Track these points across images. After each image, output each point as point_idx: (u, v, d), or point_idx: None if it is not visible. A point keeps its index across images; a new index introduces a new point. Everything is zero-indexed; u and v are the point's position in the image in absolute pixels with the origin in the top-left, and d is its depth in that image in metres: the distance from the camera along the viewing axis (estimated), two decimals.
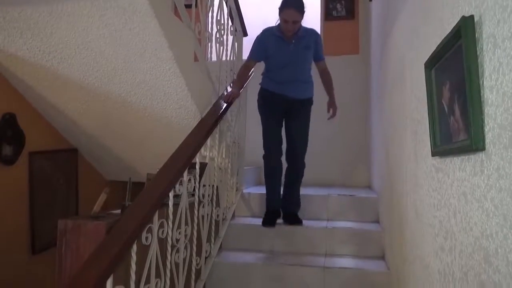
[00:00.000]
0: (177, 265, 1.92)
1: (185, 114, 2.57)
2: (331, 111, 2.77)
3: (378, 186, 2.97)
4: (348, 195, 3.02)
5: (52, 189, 2.98)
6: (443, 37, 1.06)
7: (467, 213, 0.94)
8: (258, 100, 2.86)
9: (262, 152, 2.83)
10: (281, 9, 2.54)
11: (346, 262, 2.50)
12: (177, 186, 1.85)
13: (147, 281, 1.62)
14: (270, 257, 2.53)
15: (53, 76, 2.45)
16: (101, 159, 3.40)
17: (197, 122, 2.28)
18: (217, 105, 2.47)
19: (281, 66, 2.69)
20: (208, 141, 2.29)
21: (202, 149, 2.18)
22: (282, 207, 2.84)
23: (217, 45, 2.82)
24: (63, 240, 1.48)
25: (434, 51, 1.14)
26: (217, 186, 2.53)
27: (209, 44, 2.79)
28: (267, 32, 2.71)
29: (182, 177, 1.92)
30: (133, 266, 1.50)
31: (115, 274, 1.33)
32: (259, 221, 2.76)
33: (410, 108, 1.67)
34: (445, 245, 1.12)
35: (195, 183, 2.09)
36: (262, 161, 2.85)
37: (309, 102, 2.82)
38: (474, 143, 0.84)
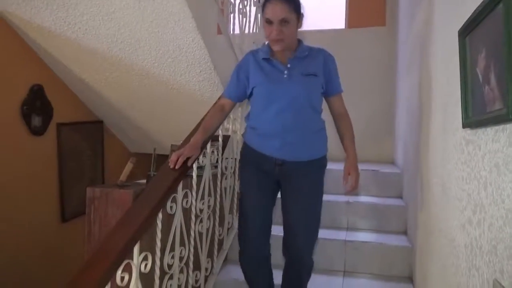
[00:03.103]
0: (200, 234, 1.97)
1: (208, 86, 2.56)
2: (349, 179, 1.76)
3: (402, 161, 2.92)
4: (371, 170, 2.99)
5: (79, 159, 3.07)
6: (479, 2, 1.00)
7: (499, 185, 0.91)
8: (239, 161, 1.96)
9: None
10: (263, 4, 1.67)
11: (368, 236, 2.51)
12: (200, 157, 1.87)
13: (172, 249, 1.66)
14: None
15: (78, 48, 2.48)
16: (125, 131, 3.46)
17: (220, 94, 2.28)
18: None
19: (269, 105, 1.69)
20: (231, 114, 2.29)
21: (225, 122, 2.18)
22: None
23: (240, 16, 2.77)
24: (91, 207, 1.53)
25: (470, 17, 1.09)
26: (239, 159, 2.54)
27: (232, 15, 2.74)
28: (251, 55, 1.80)
29: (206, 149, 1.94)
30: (159, 234, 1.54)
31: (142, 242, 1.37)
32: None
33: (440, 79, 1.62)
34: (473, 219, 1.10)
35: (218, 155, 2.11)
36: None
37: (319, 164, 1.78)
38: (510, 112, 0.80)
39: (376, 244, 2.38)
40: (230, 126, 2.38)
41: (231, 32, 2.72)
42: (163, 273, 1.60)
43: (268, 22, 1.63)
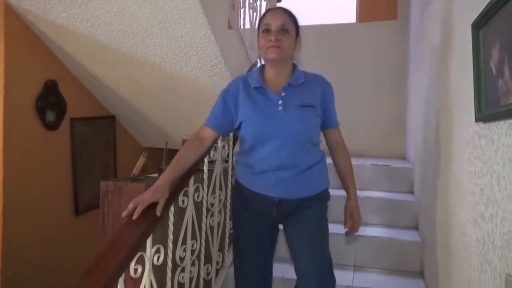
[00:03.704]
0: (211, 228, 1.99)
1: (219, 81, 2.58)
2: (350, 221, 1.65)
3: (414, 156, 2.90)
4: (382, 165, 2.98)
5: (92, 154, 3.11)
6: None
7: None
8: (231, 200, 1.80)
9: None
10: (262, 16, 1.59)
11: (379, 231, 2.50)
12: (211, 152, 1.89)
13: (184, 242, 1.69)
14: None
15: (91, 44, 2.50)
16: (137, 126, 3.50)
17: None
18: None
19: (263, 143, 1.52)
20: None
21: None
22: None
23: (251, 11, 2.78)
24: (105, 200, 1.56)
25: (483, 10, 1.08)
26: None
27: (242, 10, 2.75)
28: (240, 81, 1.59)
29: (217, 143, 1.95)
30: (171, 227, 1.57)
31: (154, 235, 1.39)
32: None
33: (452, 73, 1.60)
34: (485, 213, 1.09)
35: (228, 149, 2.13)
36: None
37: (321, 198, 1.60)
38: None
39: (387, 239, 2.37)
40: None
41: (242, 27, 2.72)
42: (175, 266, 1.63)
43: (266, 30, 1.50)
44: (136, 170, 1.66)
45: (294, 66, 1.60)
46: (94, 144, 3.12)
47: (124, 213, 1.32)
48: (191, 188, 1.69)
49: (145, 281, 1.34)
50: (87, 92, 3.05)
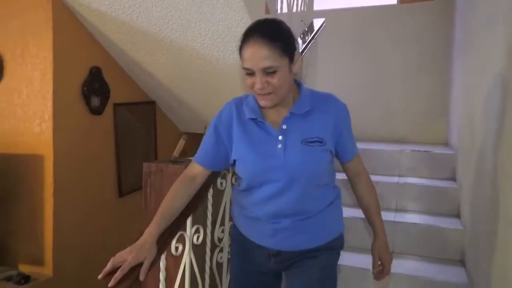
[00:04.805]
0: None
1: None
2: (379, 265, 1.42)
3: (457, 142, 2.80)
4: (423, 151, 2.91)
5: (134, 138, 3.22)
6: None
7: None
8: (231, 245, 1.56)
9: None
10: (241, 46, 1.20)
11: (418, 218, 2.46)
12: None
13: (222, 223, 1.73)
14: None
15: (132, 30, 2.57)
16: (176, 111, 3.58)
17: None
18: None
19: (260, 186, 1.28)
20: None
21: None
22: None
23: None
24: (147, 181, 1.62)
25: None
26: None
27: None
28: (234, 109, 1.31)
29: None
30: (210, 208, 1.61)
31: (194, 216, 1.44)
32: None
33: (500, 54, 1.53)
34: None
35: None
36: None
37: (330, 247, 1.34)
38: None
39: (427, 226, 2.33)
40: None
41: (279, 11, 2.70)
42: (214, 246, 1.68)
43: (249, 74, 1.17)
44: (176, 152, 1.71)
45: (299, 86, 1.30)
46: (136, 128, 3.24)
47: (100, 276, 1.10)
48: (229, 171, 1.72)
49: (185, 259, 1.40)
50: (129, 78, 3.15)
